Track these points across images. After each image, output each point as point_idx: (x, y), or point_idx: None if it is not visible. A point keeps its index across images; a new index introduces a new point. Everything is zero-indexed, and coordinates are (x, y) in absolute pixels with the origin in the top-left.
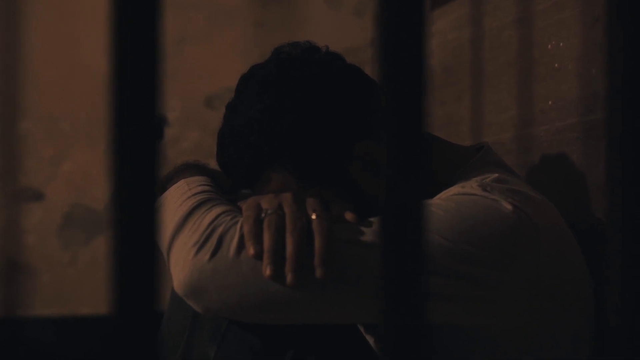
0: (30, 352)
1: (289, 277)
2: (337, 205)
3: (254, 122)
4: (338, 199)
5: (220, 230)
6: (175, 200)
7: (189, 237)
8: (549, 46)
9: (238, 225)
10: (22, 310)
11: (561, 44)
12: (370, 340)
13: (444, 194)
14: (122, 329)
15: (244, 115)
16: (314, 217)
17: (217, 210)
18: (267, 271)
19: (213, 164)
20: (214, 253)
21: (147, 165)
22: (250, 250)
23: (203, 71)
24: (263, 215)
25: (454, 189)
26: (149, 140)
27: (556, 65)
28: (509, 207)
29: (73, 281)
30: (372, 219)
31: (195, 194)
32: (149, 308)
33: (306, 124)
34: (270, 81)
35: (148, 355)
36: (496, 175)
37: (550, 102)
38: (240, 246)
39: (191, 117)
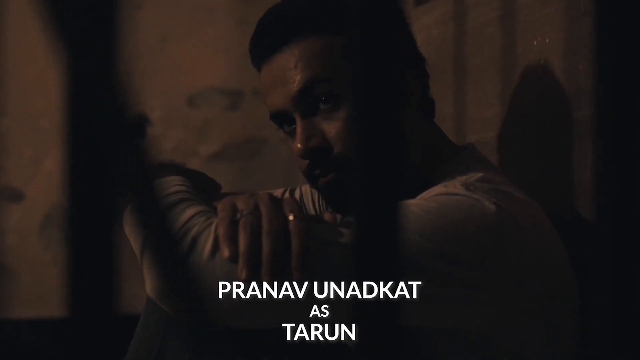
0: (10, 354)
1: (264, 280)
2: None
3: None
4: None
5: (194, 231)
6: None
7: None
8: (534, 42)
9: (213, 227)
10: (1, 312)
11: (547, 40)
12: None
13: (426, 194)
14: (77, 332)
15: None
16: (291, 217)
17: (191, 211)
18: (243, 274)
19: (194, 163)
20: (187, 255)
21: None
22: (225, 253)
23: (185, 69)
24: (238, 216)
25: (437, 189)
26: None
27: (542, 61)
28: (492, 207)
29: (54, 282)
30: (351, 219)
31: (169, 194)
32: (104, 311)
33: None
34: None
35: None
36: (480, 174)
37: (535, 99)
38: (215, 248)
39: (173, 116)
